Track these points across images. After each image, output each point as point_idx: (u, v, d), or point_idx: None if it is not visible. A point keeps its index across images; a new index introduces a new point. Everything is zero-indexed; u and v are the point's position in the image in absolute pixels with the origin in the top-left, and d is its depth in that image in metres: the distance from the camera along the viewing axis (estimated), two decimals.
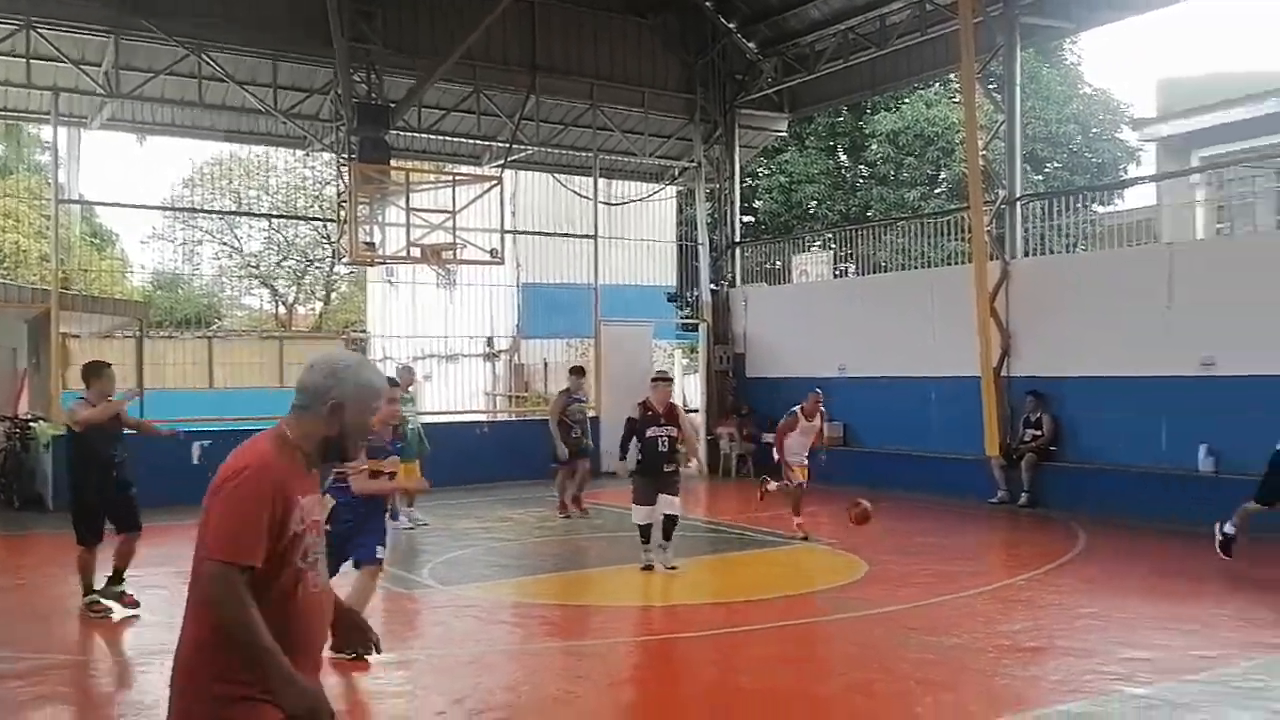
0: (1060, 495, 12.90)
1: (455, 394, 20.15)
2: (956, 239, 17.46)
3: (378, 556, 6.59)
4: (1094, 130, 27.26)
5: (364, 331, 31.44)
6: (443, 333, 21.44)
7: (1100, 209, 20.87)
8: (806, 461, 11.31)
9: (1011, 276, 14.13)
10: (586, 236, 18.40)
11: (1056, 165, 26.47)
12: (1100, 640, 7.08)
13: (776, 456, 11.49)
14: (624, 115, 18.33)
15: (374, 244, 15.24)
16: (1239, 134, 16.95)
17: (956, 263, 17.00)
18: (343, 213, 15.32)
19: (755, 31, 18.15)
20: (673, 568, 9.25)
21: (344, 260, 20.37)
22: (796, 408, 11.41)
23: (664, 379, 9.84)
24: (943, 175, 26.96)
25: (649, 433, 9.20)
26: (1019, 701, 5.83)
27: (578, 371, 13.41)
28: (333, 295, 41.26)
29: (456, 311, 22.73)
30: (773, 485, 11.71)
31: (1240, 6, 66.30)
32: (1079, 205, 16.81)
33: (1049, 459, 13.28)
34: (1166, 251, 13.36)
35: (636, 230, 21.42)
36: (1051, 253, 14.68)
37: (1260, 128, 16.84)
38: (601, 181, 18.94)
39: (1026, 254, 14.48)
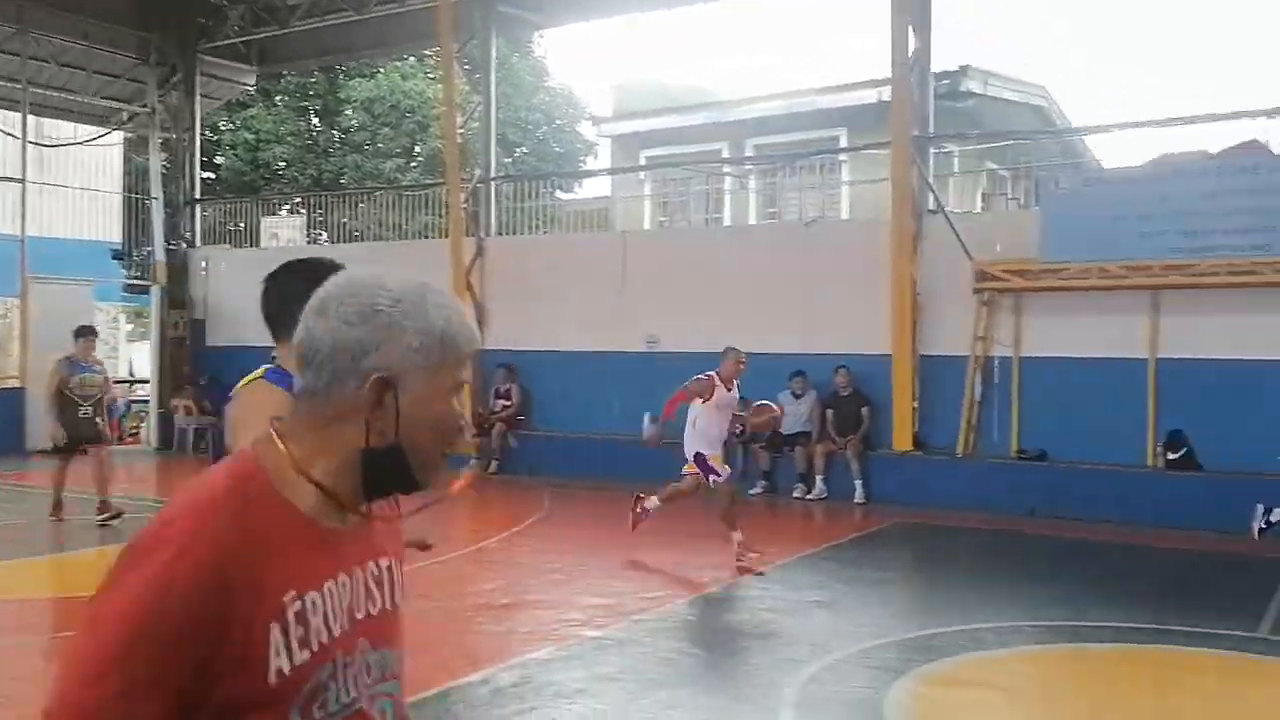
0: (528, 462, 13.67)
1: None
2: (431, 213, 17.71)
3: None
4: (558, 122, 29.20)
5: None
6: None
7: (563, 195, 22.43)
8: (720, 451, 8.47)
9: (485, 253, 14.67)
10: (13, 180, 15.82)
11: (524, 151, 27.94)
12: (565, 592, 7.64)
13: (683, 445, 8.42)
14: (63, 47, 15.99)
15: None
16: (677, 139, 19.15)
17: (431, 237, 17.24)
18: None
19: None
20: None
21: None
22: (710, 372, 8.30)
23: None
24: (418, 149, 27.17)
25: None
26: (496, 654, 6.07)
27: (86, 332, 10.12)
28: None
29: None
30: (653, 501, 8.69)
31: (685, 26, 75.48)
32: (545, 190, 17.92)
33: (518, 428, 14.02)
34: (620, 239, 14.74)
35: (75, 177, 18.89)
36: (521, 233, 15.46)
37: (693, 135, 19.19)
38: (32, 119, 16.41)
39: (500, 233, 15.11)
